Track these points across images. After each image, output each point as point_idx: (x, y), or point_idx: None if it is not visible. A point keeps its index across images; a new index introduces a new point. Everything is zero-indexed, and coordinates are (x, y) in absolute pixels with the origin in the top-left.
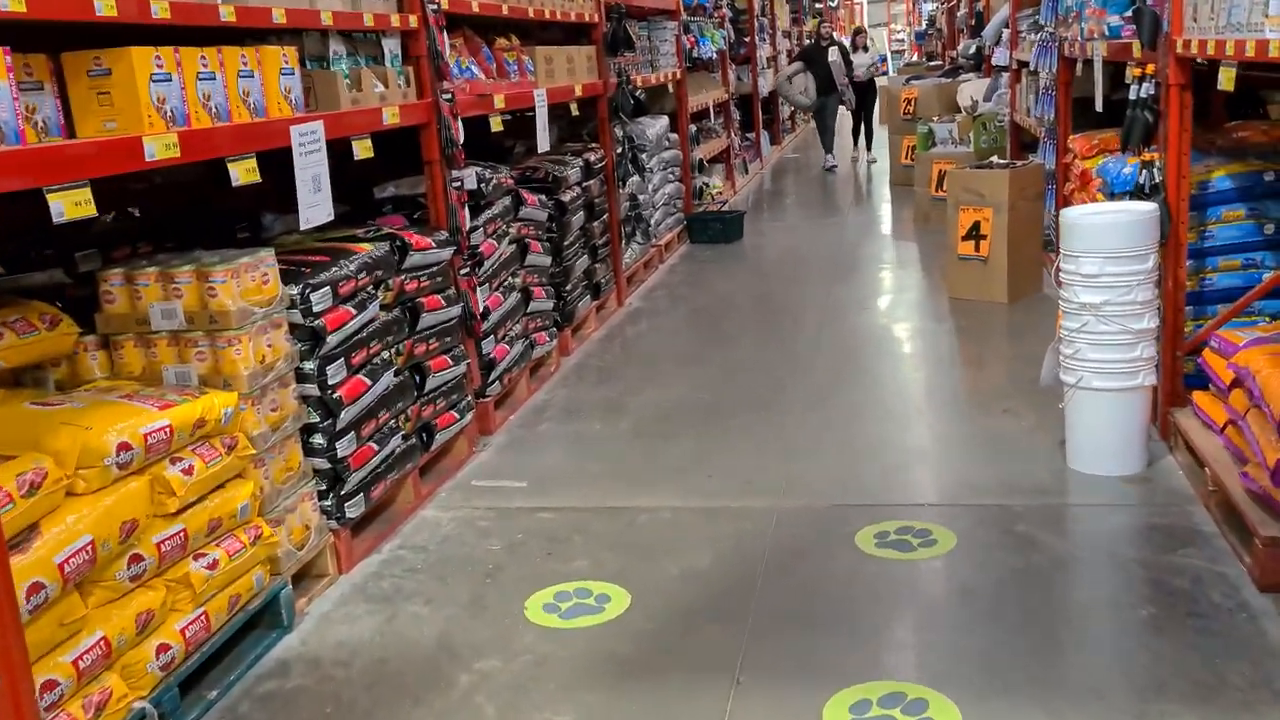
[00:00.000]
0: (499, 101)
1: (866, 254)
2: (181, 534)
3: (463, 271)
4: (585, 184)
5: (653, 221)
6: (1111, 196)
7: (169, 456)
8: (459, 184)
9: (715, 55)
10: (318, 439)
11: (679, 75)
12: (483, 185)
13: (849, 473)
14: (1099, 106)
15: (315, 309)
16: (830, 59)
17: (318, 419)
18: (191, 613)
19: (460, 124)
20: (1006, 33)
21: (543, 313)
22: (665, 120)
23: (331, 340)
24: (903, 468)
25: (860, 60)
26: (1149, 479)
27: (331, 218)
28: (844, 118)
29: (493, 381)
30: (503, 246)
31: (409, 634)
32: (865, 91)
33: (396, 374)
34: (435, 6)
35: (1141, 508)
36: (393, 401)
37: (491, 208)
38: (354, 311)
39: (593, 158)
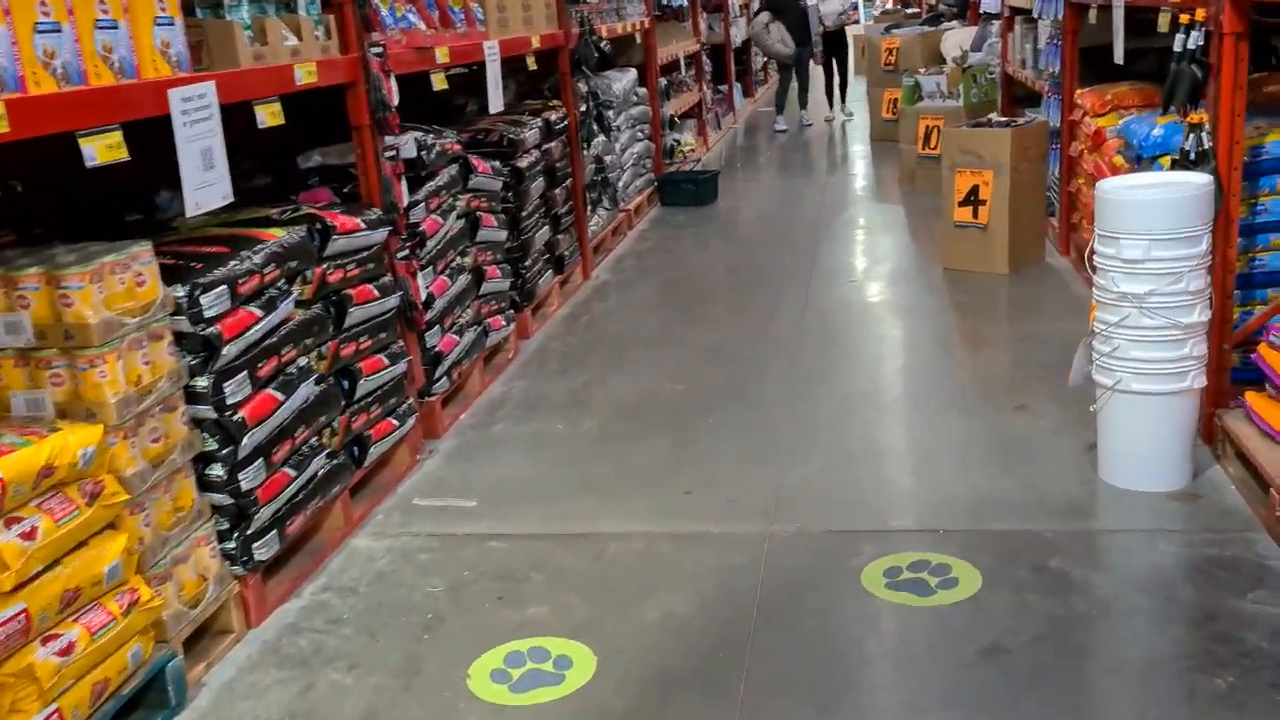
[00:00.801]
0: (442, 55)
1: (850, 217)
2: (20, 616)
3: (400, 255)
4: (545, 146)
5: (621, 184)
6: (1137, 161)
7: (1, 519)
8: (393, 153)
9: (686, 3)
10: (216, 470)
11: (647, 24)
12: (424, 153)
13: (847, 486)
14: (1119, 58)
15: (208, 313)
16: (808, 2)
17: (215, 446)
18: (38, 714)
19: (394, 83)
20: None
21: (498, 294)
22: (633, 73)
23: (230, 350)
24: (909, 479)
25: (830, 8)
26: (1197, 496)
27: (229, 199)
28: (815, 73)
29: (440, 378)
30: (449, 222)
31: (327, 712)
32: (837, 42)
33: (319, 382)
34: None
35: (1195, 534)
36: (314, 416)
37: (435, 178)
38: (259, 313)
39: (553, 117)
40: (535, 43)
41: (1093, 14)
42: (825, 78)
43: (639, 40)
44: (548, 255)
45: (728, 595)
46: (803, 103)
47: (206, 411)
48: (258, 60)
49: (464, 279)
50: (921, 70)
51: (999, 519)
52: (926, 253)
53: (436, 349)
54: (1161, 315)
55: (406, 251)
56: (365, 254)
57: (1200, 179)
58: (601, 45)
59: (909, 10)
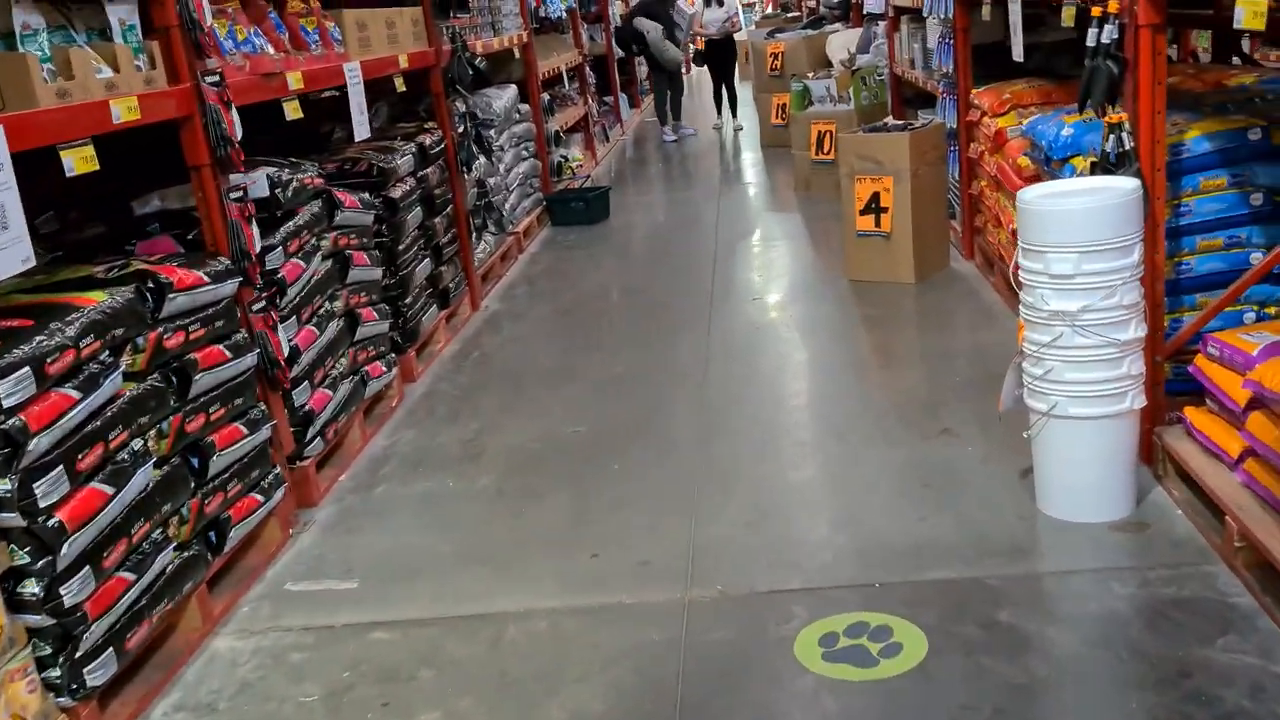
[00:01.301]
0: (294, 81)
1: (748, 229)
2: None
3: (256, 307)
4: (421, 173)
5: (507, 207)
6: (1046, 163)
7: None
8: (240, 193)
9: (565, 14)
10: (30, 588)
11: (525, 38)
12: (279, 191)
13: (770, 538)
14: (1018, 55)
15: (6, 403)
16: (681, 9)
17: (27, 559)
18: None
19: (236, 114)
20: None
21: (376, 338)
22: (514, 90)
23: (39, 444)
24: (835, 523)
25: (713, 15)
26: (1144, 525)
27: (29, 262)
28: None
29: (312, 440)
30: (314, 265)
31: None
32: (723, 51)
33: (160, 465)
34: None
35: (1149, 571)
36: (155, 506)
37: (294, 218)
38: (76, 395)
39: (428, 141)
40: (403, 62)
41: (986, 10)
42: (714, 85)
43: (518, 55)
44: (431, 289)
45: (646, 684)
46: (676, 112)
47: (13, 519)
48: (62, 98)
49: (335, 326)
50: (810, 75)
51: (938, 566)
52: (829, 263)
53: (306, 408)
54: (1096, 333)
55: (263, 303)
56: (212, 310)
57: (1127, 183)
58: (476, 62)
59: (789, 14)
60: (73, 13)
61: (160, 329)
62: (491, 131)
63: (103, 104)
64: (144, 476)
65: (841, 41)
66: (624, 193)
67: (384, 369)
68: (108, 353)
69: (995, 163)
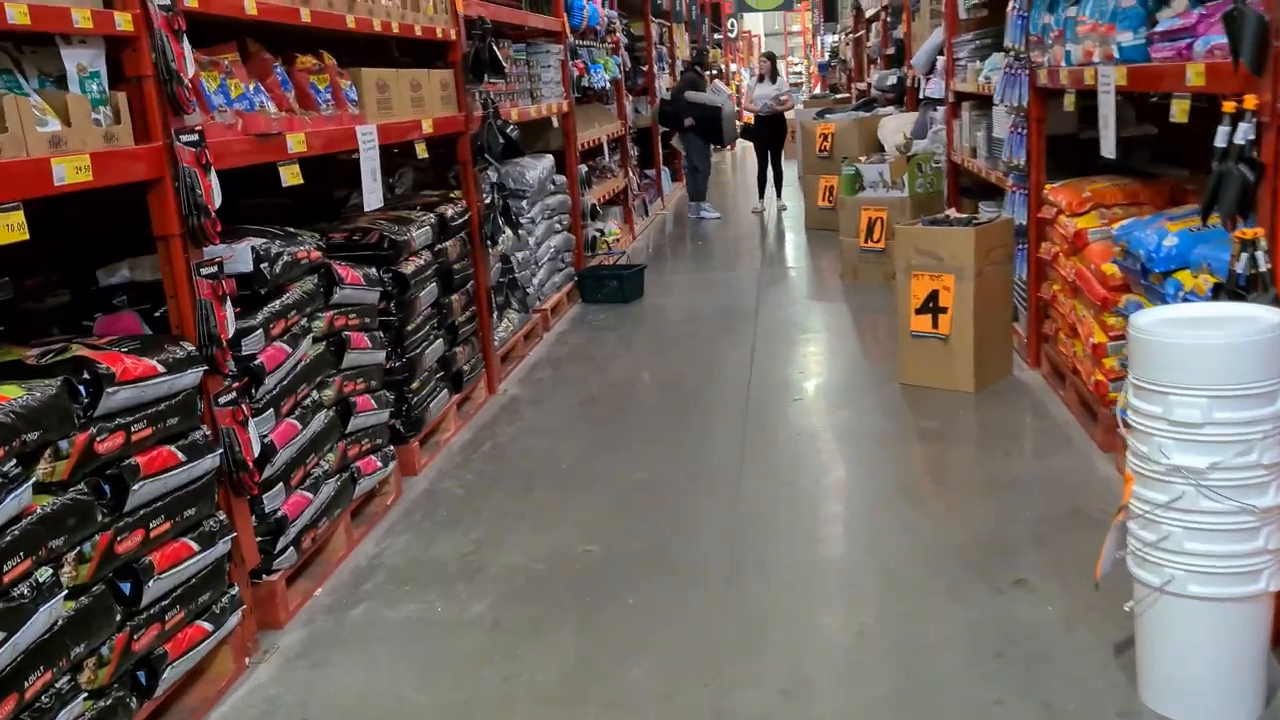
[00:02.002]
0: (296, 143)
1: (790, 318)
2: None
3: (223, 400)
4: (440, 246)
5: (535, 282)
6: (1143, 275)
7: None
8: (214, 269)
9: (609, 85)
10: None
11: (566, 107)
12: (264, 265)
13: (810, 713)
14: (1110, 151)
15: None
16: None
17: None
18: None
19: (214, 179)
20: (941, 61)
21: (372, 429)
22: (550, 160)
23: None
24: (892, 702)
25: (764, 92)
26: None
27: None
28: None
29: (283, 550)
30: (300, 350)
31: None
32: (772, 130)
33: (76, 595)
34: (166, 1)
35: None
36: (60, 649)
37: (283, 295)
38: None
39: (451, 211)
40: (427, 127)
41: (1069, 101)
42: (759, 164)
43: (557, 124)
44: (442, 373)
45: None
46: (702, 192)
47: None
48: None
49: (323, 418)
50: (861, 158)
51: None
52: (878, 363)
53: (278, 514)
54: (1227, 497)
55: (233, 395)
56: (165, 405)
57: (1270, 315)
58: (509, 130)
59: (838, 95)
60: (24, 56)
61: (93, 429)
62: (523, 203)
63: (41, 162)
64: (49, 613)
65: (895, 125)
66: (660, 270)
67: (379, 464)
68: (14, 462)
69: (1073, 267)
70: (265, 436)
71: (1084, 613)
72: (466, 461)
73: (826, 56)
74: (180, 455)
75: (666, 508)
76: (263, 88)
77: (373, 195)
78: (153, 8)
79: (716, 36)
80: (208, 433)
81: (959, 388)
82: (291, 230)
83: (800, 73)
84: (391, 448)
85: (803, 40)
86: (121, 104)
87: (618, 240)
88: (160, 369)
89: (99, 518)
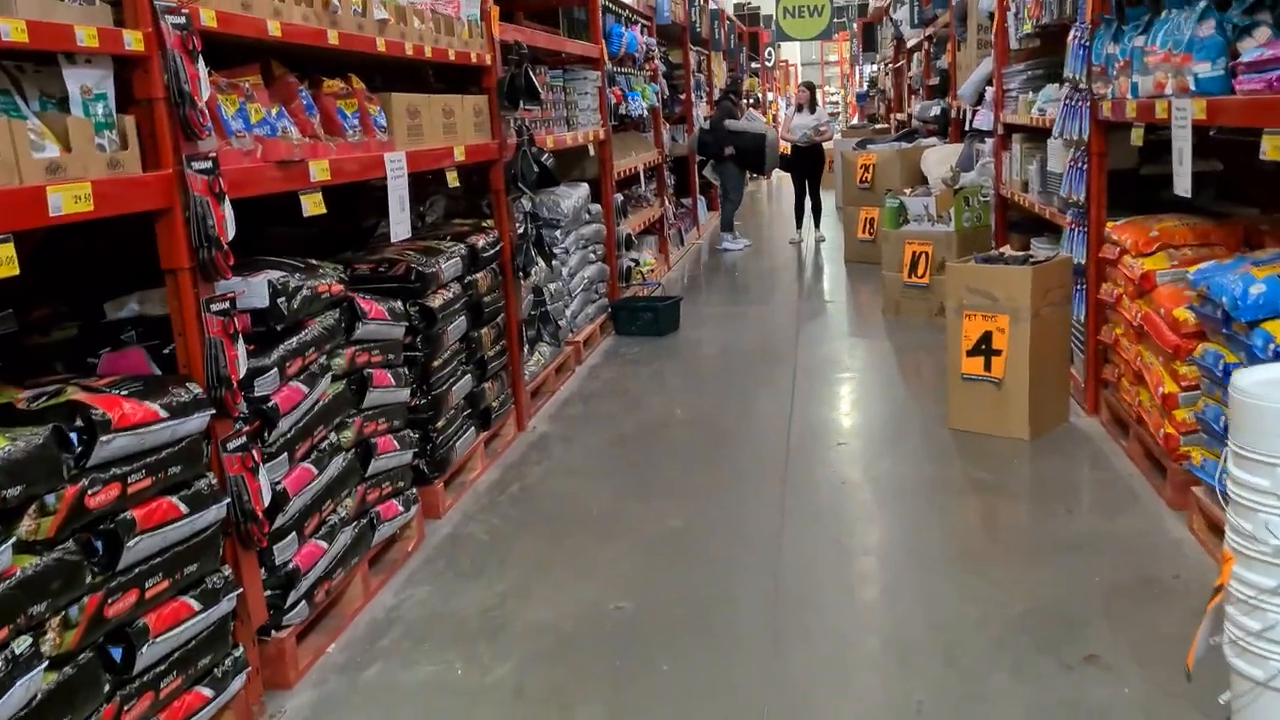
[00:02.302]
0: (319, 171)
1: (831, 354)
2: None
3: (233, 445)
4: (469, 278)
5: (569, 313)
6: (1225, 323)
7: None
8: (225, 306)
9: (647, 113)
10: None
11: (603, 135)
12: (281, 300)
13: None
14: (1184, 189)
15: None
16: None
17: None
18: None
19: (228, 209)
20: (989, 92)
21: (394, 471)
22: (585, 189)
23: None
24: None
25: (802, 122)
26: None
27: None
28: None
29: (294, 605)
30: (318, 389)
31: None
32: (811, 159)
33: (59, 665)
34: (180, 20)
35: None
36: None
37: (301, 332)
38: None
39: (482, 242)
40: (459, 155)
41: (1135, 135)
42: (796, 195)
43: (593, 152)
44: (469, 410)
45: None
46: (730, 223)
47: None
48: None
49: (341, 461)
50: (907, 190)
51: None
52: (926, 406)
53: (290, 566)
54: None
55: (243, 439)
56: (166, 453)
57: None
58: (544, 159)
59: (877, 126)
60: (25, 76)
61: (85, 481)
62: (557, 233)
63: (35, 191)
64: (26, 688)
65: (939, 157)
66: (696, 302)
67: (400, 508)
68: None
69: (1140, 310)
70: (277, 483)
71: (1165, 699)
72: (493, 504)
73: (865, 86)
74: (182, 507)
75: (703, 562)
76: (286, 112)
77: (400, 225)
78: (166, 26)
79: (754, 65)
80: (214, 481)
81: (1012, 434)
82: (313, 262)
83: (837, 102)
84: (414, 490)
85: (839, 70)
86: (129, 128)
87: (653, 270)
88: (162, 414)
89: (88, 578)
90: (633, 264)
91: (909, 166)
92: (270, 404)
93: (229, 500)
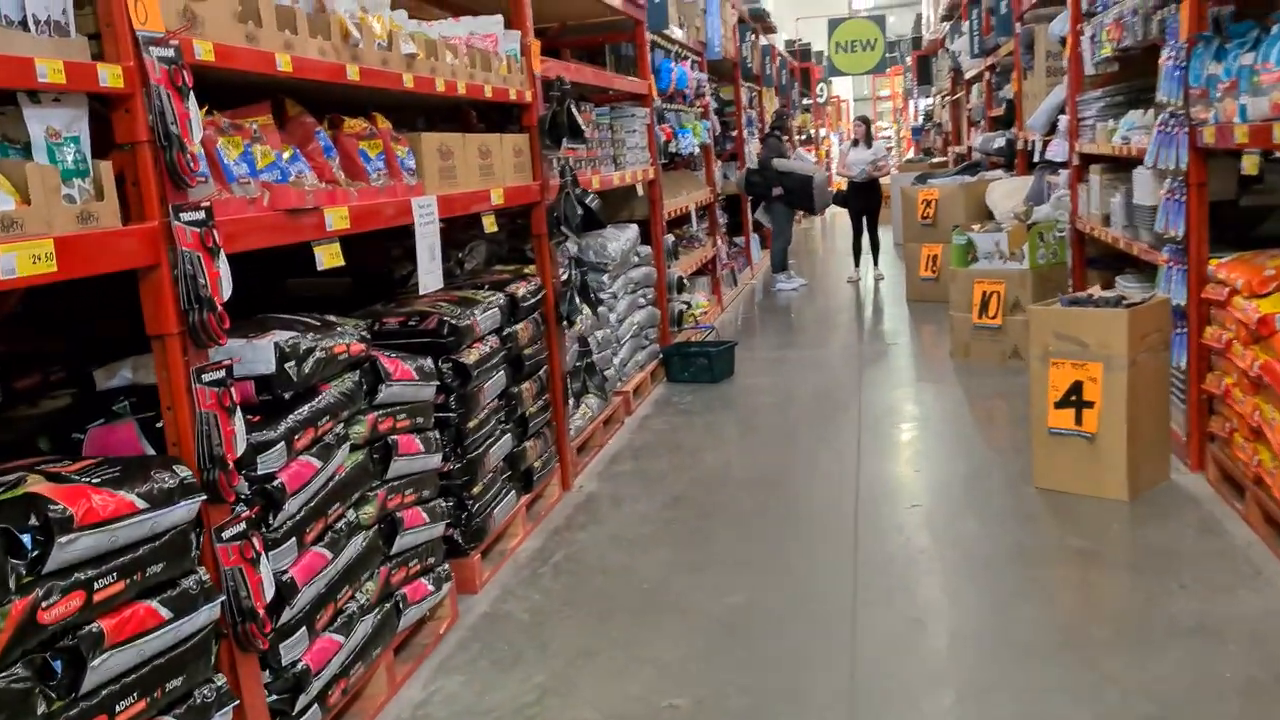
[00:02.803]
0: (336, 219)
1: (897, 403)
2: None
3: (228, 534)
4: (508, 330)
5: (616, 362)
6: None
7: None
8: (219, 375)
9: (698, 150)
10: None
11: (652, 174)
12: (290, 365)
13: None
14: None
15: None
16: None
17: None
18: None
19: (223, 265)
20: (1062, 120)
21: (422, 546)
22: (634, 230)
23: None
24: None
25: (859, 157)
26: None
27: None
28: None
29: (304, 711)
30: (333, 462)
31: None
32: (868, 194)
33: None
34: (169, 53)
35: None
36: None
37: (313, 399)
38: None
39: (523, 290)
40: (496, 198)
41: (1249, 162)
42: (854, 232)
43: (642, 191)
44: (509, 473)
45: None
46: (783, 263)
47: None
48: None
49: (360, 542)
50: (975, 226)
51: None
52: (1008, 461)
53: (298, 666)
54: None
55: (240, 526)
56: (144, 550)
57: None
58: (588, 200)
59: (934, 160)
60: None
61: (39, 592)
62: (604, 277)
63: None
64: None
65: (1006, 190)
66: (751, 345)
67: (430, 587)
68: None
69: (1256, 358)
70: (284, 573)
71: None
72: (534, 576)
73: (920, 120)
74: (164, 612)
75: (767, 649)
76: (302, 155)
77: (430, 276)
78: (150, 59)
79: (806, 101)
80: (204, 578)
81: (1108, 495)
82: (330, 319)
83: (890, 136)
84: (446, 565)
85: (892, 104)
86: (106, 175)
87: (705, 313)
88: (140, 505)
89: (41, 709)
90: (684, 306)
91: (973, 201)
92: (275, 483)
93: (223, 598)
